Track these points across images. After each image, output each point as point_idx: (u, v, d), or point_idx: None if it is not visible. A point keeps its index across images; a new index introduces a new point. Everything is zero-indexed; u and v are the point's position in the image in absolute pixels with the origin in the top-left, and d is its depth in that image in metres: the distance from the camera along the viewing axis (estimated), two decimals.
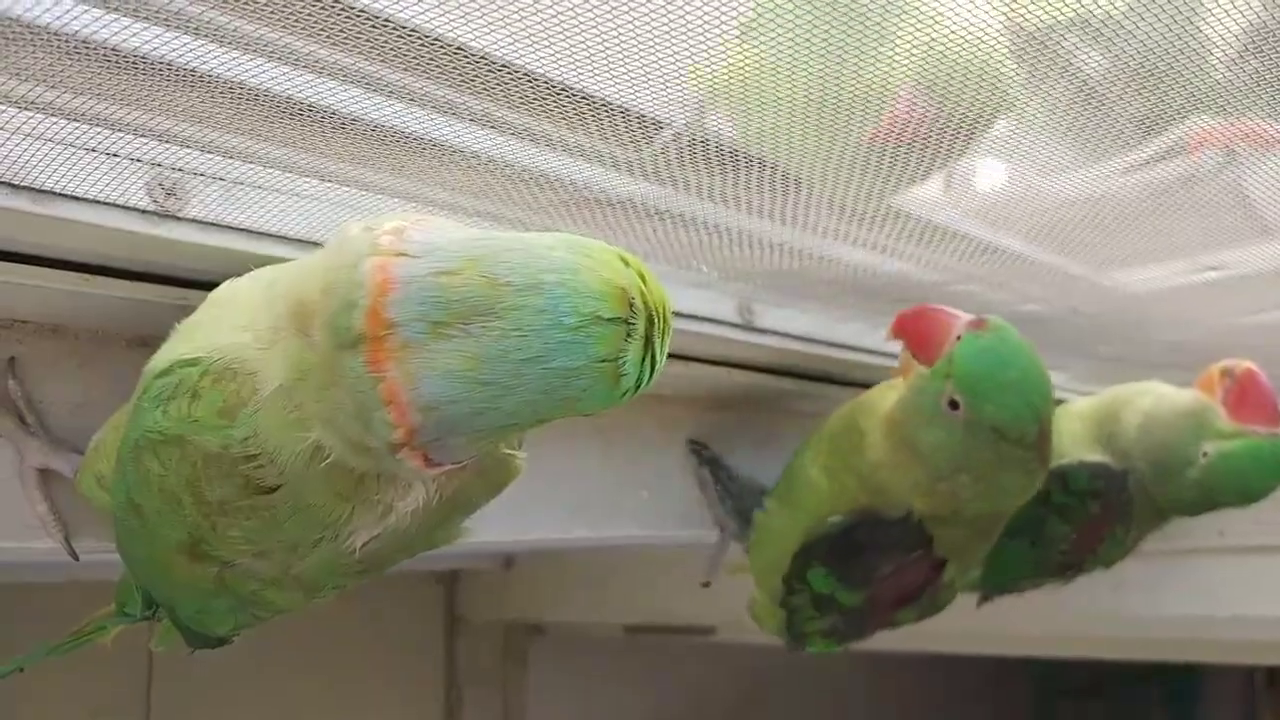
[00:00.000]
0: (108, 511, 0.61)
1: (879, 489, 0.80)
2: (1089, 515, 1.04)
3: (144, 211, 0.55)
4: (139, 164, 0.54)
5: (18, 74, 0.49)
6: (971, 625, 1.15)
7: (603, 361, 0.41)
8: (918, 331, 0.76)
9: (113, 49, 0.49)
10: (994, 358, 0.71)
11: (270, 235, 0.59)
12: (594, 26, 0.48)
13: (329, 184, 0.60)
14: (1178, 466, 0.97)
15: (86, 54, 0.49)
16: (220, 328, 0.51)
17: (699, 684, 2.30)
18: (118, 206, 0.54)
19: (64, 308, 0.63)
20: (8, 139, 0.50)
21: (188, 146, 0.56)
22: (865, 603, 0.87)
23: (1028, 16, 0.50)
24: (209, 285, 0.60)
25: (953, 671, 2.58)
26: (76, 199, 0.53)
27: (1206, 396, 0.97)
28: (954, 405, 0.72)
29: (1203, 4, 0.48)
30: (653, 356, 0.43)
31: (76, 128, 0.52)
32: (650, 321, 0.43)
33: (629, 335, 0.42)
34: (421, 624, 2.07)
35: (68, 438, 0.64)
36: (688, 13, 0.46)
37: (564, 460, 0.88)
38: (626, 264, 0.43)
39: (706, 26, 0.47)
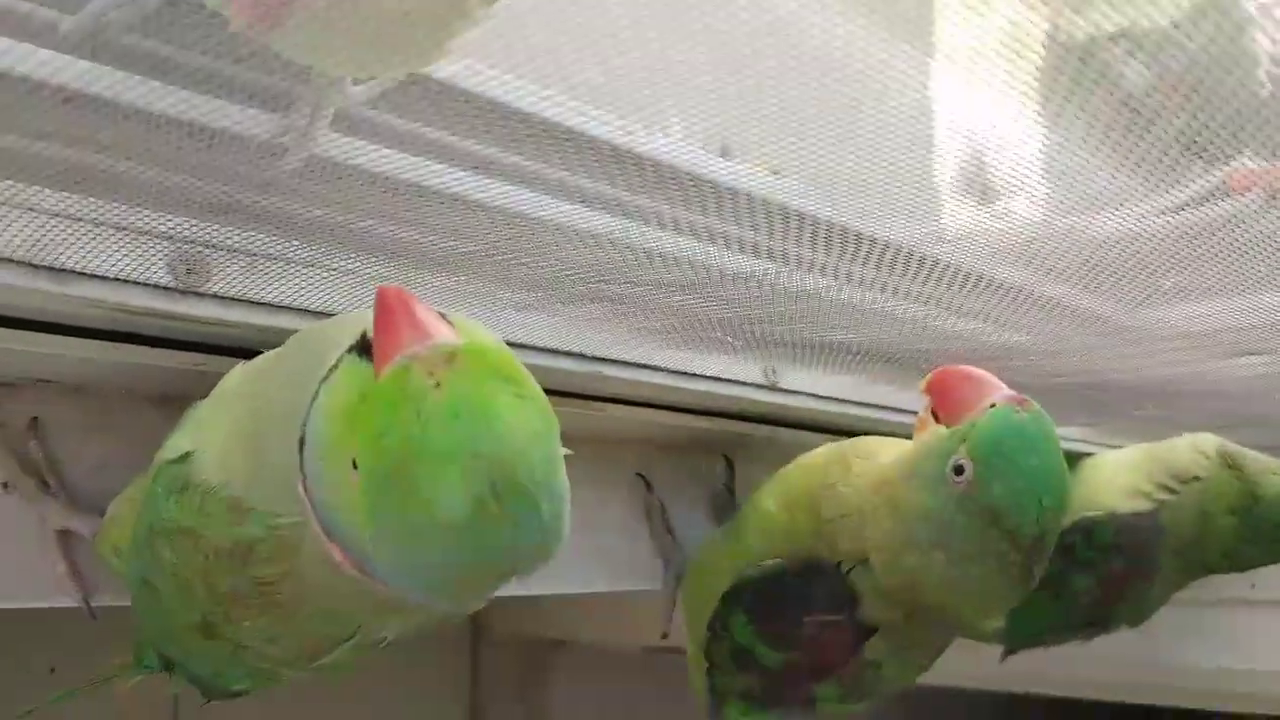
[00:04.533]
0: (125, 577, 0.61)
1: (834, 538, 0.73)
2: (1111, 570, 1.03)
3: (165, 288, 0.55)
4: (161, 240, 0.54)
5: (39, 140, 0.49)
6: (994, 665, 1.14)
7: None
8: (950, 388, 0.69)
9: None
10: (1022, 437, 0.65)
11: (291, 309, 0.59)
12: None
13: (352, 256, 0.60)
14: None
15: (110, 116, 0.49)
16: (220, 425, 0.51)
17: None
18: (139, 284, 0.54)
19: (86, 370, 0.63)
20: (24, 215, 0.50)
21: (211, 221, 0.55)
22: (783, 666, 0.81)
23: (1072, 27, 0.48)
24: (232, 351, 0.61)
25: (973, 706, 2.56)
26: (97, 277, 0.53)
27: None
28: (959, 471, 0.65)
29: (1251, 18, 0.47)
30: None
31: (97, 204, 0.52)
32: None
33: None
34: (446, 636, 2.08)
35: (89, 497, 0.65)
36: None
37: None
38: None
39: None
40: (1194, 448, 1.03)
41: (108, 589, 0.66)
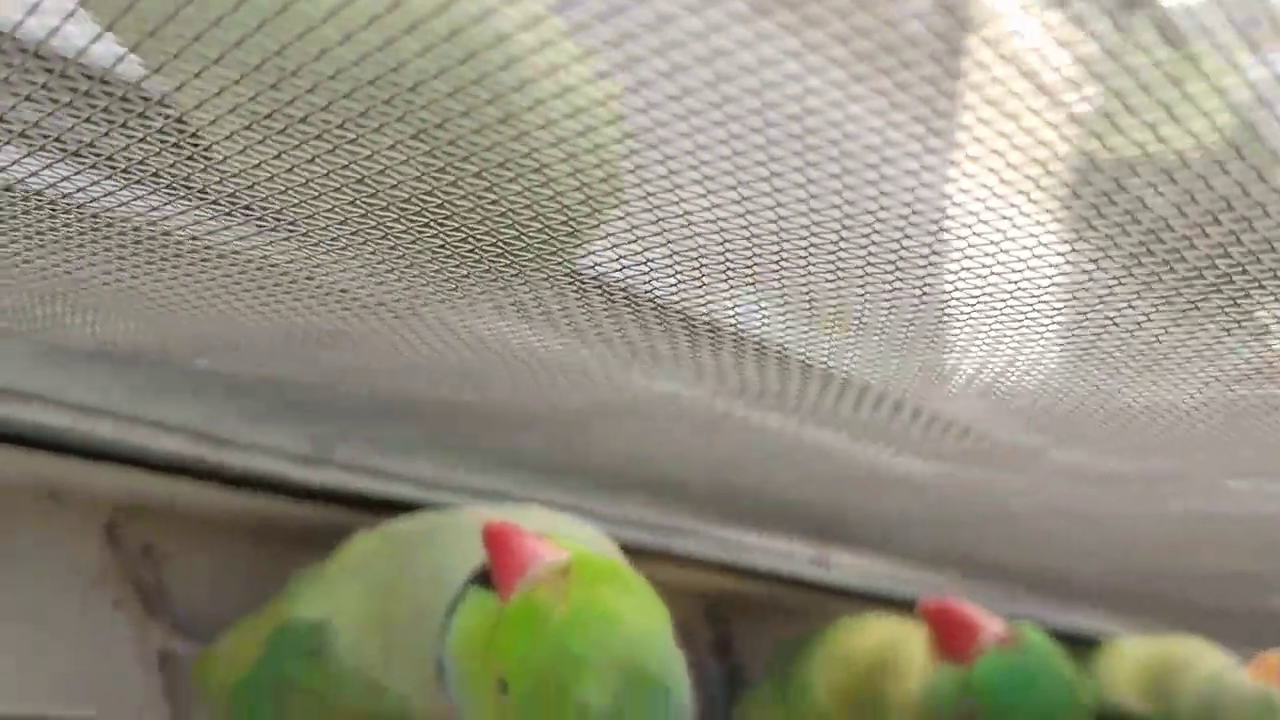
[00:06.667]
0: (217, 708, 0.65)
1: None
2: None
3: (304, 458, 0.60)
4: (307, 415, 0.60)
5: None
6: None
7: None
8: (944, 627, 0.76)
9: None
10: (1019, 679, 0.72)
11: (408, 478, 0.64)
12: None
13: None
14: None
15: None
16: (352, 600, 0.55)
17: None
18: (283, 454, 0.59)
19: (202, 504, 0.69)
20: (202, 391, 0.56)
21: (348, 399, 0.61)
22: None
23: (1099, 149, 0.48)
24: (345, 501, 0.66)
25: None
26: (247, 447, 0.58)
27: (1268, 681, 1.00)
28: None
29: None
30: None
31: (256, 382, 0.58)
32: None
33: None
34: None
35: (188, 622, 0.70)
36: None
37: None
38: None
39: None
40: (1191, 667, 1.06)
41: (198, 714, 0.70)
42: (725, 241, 0.44)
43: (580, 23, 0.30)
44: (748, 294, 0.53)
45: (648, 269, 0.45)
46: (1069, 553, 0.94)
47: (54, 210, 0.36)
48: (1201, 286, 0.58)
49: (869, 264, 0.45)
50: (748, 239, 0.43)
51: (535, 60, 0.33)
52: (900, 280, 0.49)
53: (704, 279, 0.48)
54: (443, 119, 0.34)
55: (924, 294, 0.52)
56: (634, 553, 0.83)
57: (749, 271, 0.49)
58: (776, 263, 0.45)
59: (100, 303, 0.42)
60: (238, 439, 0.57)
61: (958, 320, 0.63)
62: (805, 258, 0.45)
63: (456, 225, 0.40)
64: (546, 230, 0.41)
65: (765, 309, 0.55)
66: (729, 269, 0.46)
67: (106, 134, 0.35)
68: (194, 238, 0.40)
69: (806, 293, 0.50)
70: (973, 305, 0.54)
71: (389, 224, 0.41)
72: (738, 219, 0.44)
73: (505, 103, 0.33)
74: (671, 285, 0.47)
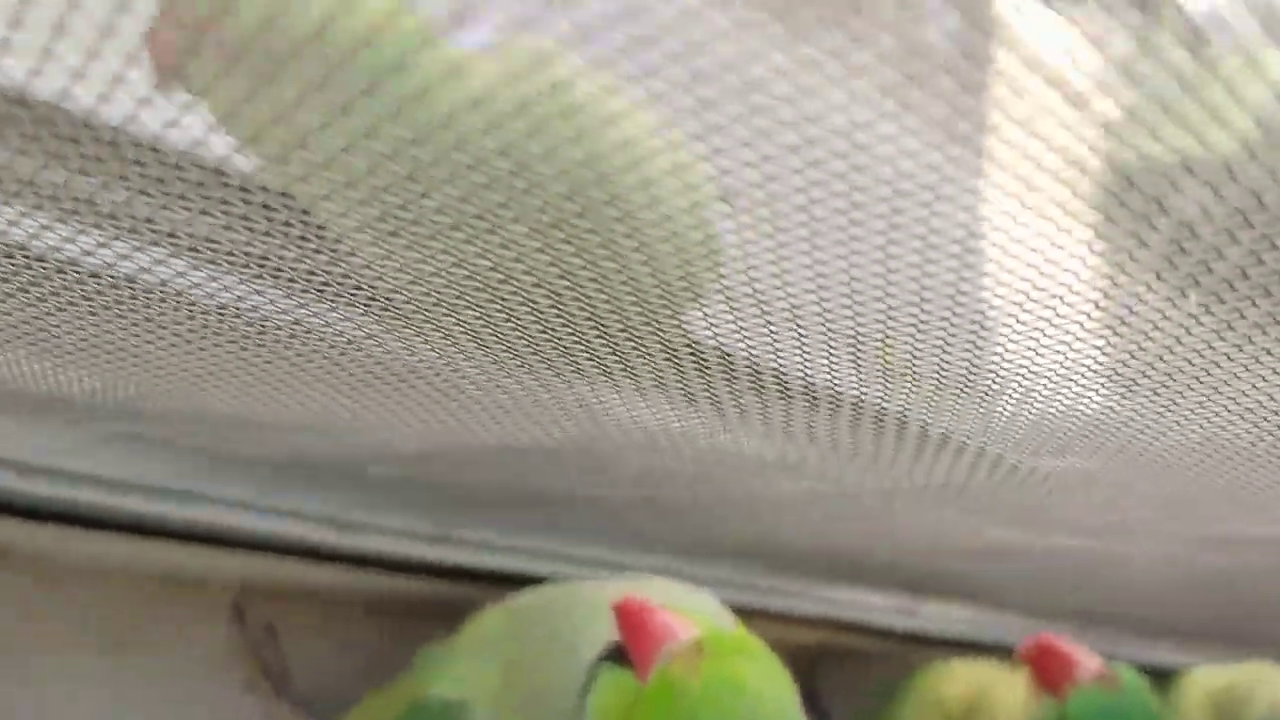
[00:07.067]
0: None
1: None
2: None
3: (426, 536, 0.62)
4: (433, 500, 0.62)
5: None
6: None
7: None
8: (1042, 662, 0.77)
9: None
10: (1112, 718, 0.73)
11: (526, 550, 0.66)
12: None
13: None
14: None
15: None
16: (485, 680, 0.57)
17: None
18: (404, 535, 0.61)
19: (321, 582, 0.71)
20: (328, 485, 0.58)
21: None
22: None
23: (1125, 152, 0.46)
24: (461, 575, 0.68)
25: None
26: (370, 529, 0.60)
27: None
28: None
29: None
30: None
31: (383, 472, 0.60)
32: None
33: None
34: None
35: (310, 696, 0.71)
36: None
37: None
38: None
39: None
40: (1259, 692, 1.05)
41: None
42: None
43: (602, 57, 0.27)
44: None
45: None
46: (1163, 595, 0.94)
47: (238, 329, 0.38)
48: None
49: (922, 303, 0.44)
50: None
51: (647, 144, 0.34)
52: (958, 321, 0.49)
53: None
54: (581, 210, 0.35)
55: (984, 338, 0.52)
56: (734, 612, 0.86)
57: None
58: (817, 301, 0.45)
59: (278, 423, 0.45)
60: (362, 523, 0.59)
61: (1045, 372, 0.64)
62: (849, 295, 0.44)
63: (577, 305, 0.42)
64: (660, 296, 0.43)
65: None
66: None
67: (226, 227, 0.36)
68: (348, 340, 0.42)
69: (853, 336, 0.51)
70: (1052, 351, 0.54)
71: (513, 310, 0.43)
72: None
73: (628, 187, 0.34)
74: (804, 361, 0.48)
